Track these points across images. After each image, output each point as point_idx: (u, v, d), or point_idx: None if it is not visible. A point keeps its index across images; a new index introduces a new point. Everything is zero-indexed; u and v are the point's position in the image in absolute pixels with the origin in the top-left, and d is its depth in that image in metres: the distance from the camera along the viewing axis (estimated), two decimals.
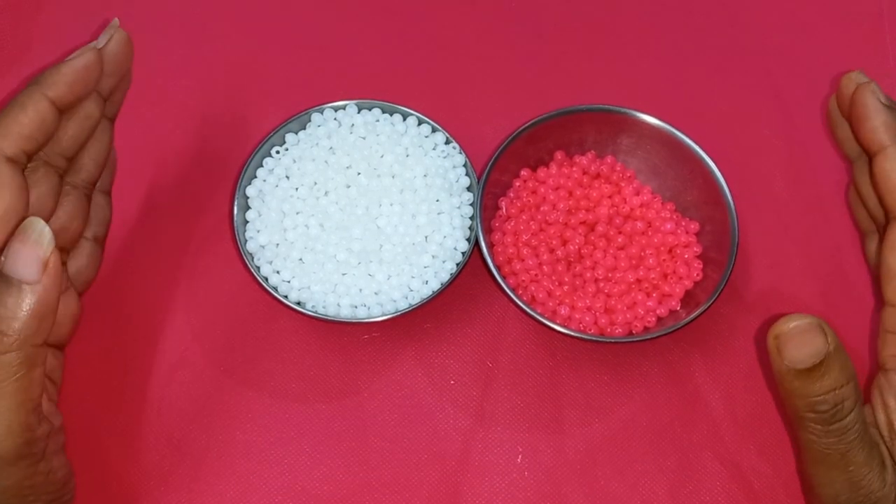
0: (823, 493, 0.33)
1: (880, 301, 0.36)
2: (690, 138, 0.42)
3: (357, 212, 0.41)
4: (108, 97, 0.35)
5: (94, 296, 0.38)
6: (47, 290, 0.29)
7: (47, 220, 0.30)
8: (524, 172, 0.43)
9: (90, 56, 0.32)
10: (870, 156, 0.35)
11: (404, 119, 0.43)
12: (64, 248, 0.36)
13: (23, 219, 0.30)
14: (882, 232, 0.36)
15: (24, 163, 0.32)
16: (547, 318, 0.38)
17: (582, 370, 0.41)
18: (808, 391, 0.30)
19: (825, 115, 0.46)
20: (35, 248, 0.29)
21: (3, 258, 0.29)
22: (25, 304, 0.29)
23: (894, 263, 0.34)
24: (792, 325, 0.30)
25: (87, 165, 0.36)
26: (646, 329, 0.40)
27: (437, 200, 0.41)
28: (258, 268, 0.40)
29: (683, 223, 0.42)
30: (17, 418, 0.29)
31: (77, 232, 0.36)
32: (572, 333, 0.38)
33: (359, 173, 0.41)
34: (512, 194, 0.43)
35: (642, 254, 0.41)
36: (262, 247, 0.40)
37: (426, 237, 0.41)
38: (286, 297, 0.39)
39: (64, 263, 0.35)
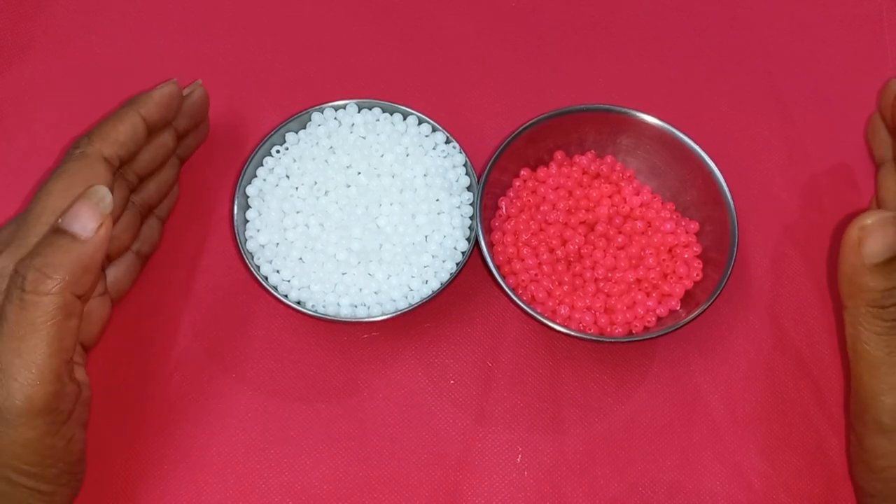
0: (885, 403, 0.33)
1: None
2: (690, 138, 0.42)
3: (357, 211, 0.41)
4: (182, 135, 0.41)
5: None
6: (95, 246, 0.32)
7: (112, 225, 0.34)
8: (524, 172, 0.43)
9: (173, 87, 0.39)
10: None
11: (404, 118, 0.43)
12: (109, 257, 0.39)
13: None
14: None
15: (115, 165, 0.36)
16: (547, 318, 0.38)
17: (582, 370, 0.41)
18: (876, 285, 0.32)
19: (827, 116, 0.47)
20: (94, 209, 0.32)
21: (64, 216, 0.32)
22: (73, 254, 0.31)
23: None
24: (873, 219, 0.32)
25: (151, 190, 0.41)
26: (646, 329, 0.40)
27: (437, 200, 0.41)
28: (258, 267, 0.40)
29: (683, 223, 0.42)
30: (50, 365, 0.31)
31: (125, 244, 0.40)
32: (572, 333, 0.38)
33: (359, 173, 0.41)
34: (512, 194, 0.43)
35: (642, 254, 0.41)
36: (262, 246, 0.40)
37: (426, 237, 0.41)
38: (286, 296, 0.39)
39: (103, 269, 0.39)
